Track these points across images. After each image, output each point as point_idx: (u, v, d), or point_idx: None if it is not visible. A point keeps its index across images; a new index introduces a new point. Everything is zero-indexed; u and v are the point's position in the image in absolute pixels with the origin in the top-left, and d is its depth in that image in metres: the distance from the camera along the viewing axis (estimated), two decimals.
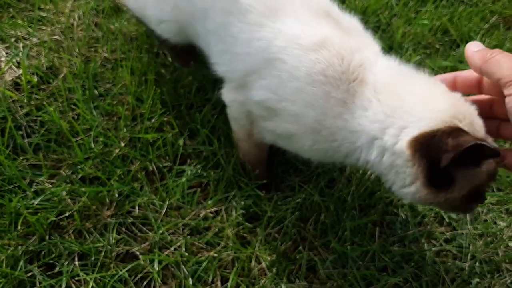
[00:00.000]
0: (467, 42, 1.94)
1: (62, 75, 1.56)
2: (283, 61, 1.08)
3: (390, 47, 1.88)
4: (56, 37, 1.67)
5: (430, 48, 1.92)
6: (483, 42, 1.95)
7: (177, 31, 1.42)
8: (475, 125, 0.95)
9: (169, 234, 1.31)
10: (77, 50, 1.64)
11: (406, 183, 0.99)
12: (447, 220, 1.46)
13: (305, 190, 1.43)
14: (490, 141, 0.96)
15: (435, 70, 1.82)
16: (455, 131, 0.91)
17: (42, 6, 1.77)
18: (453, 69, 1.85)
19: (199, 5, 1.24)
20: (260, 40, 1.11)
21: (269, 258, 1.29)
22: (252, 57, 1.14)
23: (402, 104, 0.99)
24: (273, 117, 1.16)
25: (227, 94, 1.28)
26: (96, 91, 1.54)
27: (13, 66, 1.54)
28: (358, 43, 1.10)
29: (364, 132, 1.03)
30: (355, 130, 1.04)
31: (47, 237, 1.25)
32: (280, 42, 1.09)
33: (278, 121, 1.16)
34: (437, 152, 0.92)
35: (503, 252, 1.42)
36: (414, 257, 1.36)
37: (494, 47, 1.93)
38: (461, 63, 1.88)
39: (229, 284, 1.24)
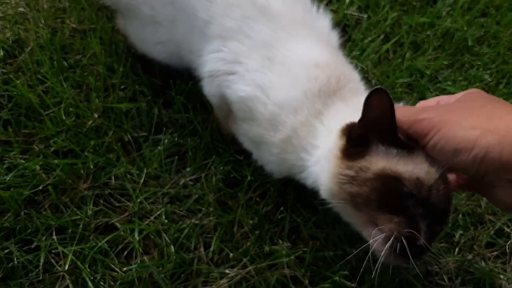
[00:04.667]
0: None
1: (29, 48, 1.51)
2: (288, 67, 1.11)
3: (366, 6, 1.85)
4: (21, 9, 1.61)
5: (407, 4, 1.89)
6: None
7: (172, 52, 1.38)
8: None
9: (148, 204, 1.28)
10: (43, 22, 1.58)
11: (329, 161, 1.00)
12: None
13: None
14: None
15: (413, 27, 1.80)
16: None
17: None
18: (431, 25, 1.83)
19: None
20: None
21: (251, 222, 1.28)
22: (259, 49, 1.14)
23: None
24: (249, 120, 1.16)
25: (209, 88, 1.26)
26: (65, 63, 1.49)
27: None
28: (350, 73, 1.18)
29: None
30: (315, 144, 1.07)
31: (22, 213, 1.22)
32: (290, 48, 1.12)
33: (253, 125, 1.16)
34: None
35: (485, 203, 1.42)
36: None
37: (471, 1, 1.92)
38: (439, 18, 1.86)
39: (211, 249, 1.22)
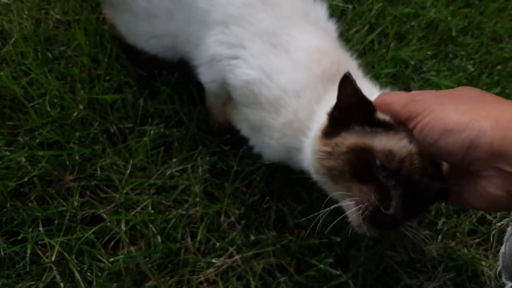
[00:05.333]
0: None
1: (13, 40, 1.49)
2: (291, 52, 1.12)
3: None
4: (4, 0, 1.59)
5: None
6: None
7: (166, 45, 1.38)
8: None
9: (135, 194, 1.29)
10: (27, 13, 1.56)
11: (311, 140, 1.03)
12: None
13: None
14: None
15: (398, 17, 1.81)
16: None
17: None
18: (415, 15, 1.84)
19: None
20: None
21: (237, 212, 1.29)
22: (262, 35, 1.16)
23: None
24: (251, 104, 1.17)
25: (208, 75, 1.26)
26: (50, 54, 1.48)
27: None
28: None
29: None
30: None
31: (8, 205, 1.21)
32: (293, 35, 1.15)
33: (255, 109, 1.16)
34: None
35: None
36: None
37: None
38: (423, 9, 1.87)
39: (198, 238, 1.23)
